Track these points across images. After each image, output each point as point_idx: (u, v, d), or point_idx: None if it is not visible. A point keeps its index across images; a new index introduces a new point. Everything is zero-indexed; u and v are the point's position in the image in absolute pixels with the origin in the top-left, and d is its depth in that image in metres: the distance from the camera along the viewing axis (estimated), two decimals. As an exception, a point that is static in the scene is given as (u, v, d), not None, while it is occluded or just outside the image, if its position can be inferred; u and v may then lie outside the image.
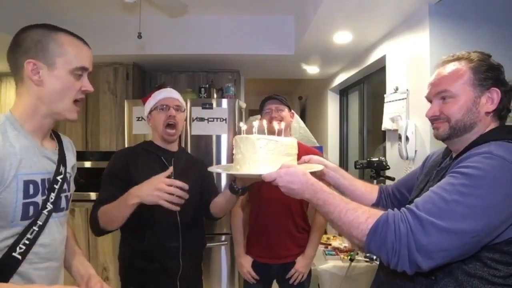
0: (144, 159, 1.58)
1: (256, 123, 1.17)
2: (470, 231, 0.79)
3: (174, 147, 1.69)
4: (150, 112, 1.66)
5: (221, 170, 1.23)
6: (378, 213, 0.87)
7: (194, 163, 1.72)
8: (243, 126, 1.21)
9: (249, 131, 1.14)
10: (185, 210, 1.56)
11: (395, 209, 0.88)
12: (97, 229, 1.44)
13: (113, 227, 1.41)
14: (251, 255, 1.93)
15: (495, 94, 0.95)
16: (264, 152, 1.03)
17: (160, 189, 1.23)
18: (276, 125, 1.17)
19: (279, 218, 1.87)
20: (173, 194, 1.24)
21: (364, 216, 0.87)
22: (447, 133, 0.99)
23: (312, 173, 1.01)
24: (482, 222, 0.80)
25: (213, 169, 1.24)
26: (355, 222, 0.87)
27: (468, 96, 0.96)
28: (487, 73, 0.95)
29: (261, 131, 1.11)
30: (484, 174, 0.81)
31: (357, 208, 0.90)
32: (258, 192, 1.88)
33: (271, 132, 1.12)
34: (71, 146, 1.19)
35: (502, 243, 0.84)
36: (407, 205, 0.88)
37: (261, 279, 1.91)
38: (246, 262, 1.91)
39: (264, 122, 1.15)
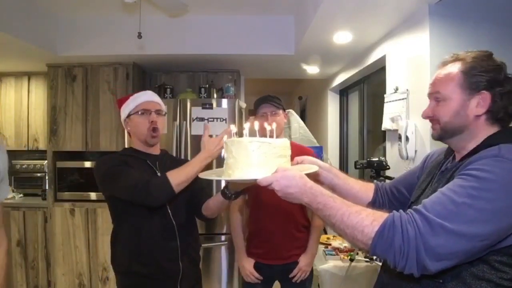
0: (133, 164, 1.53)
1: (247, 125, 1.12)
2: (480, 234, 0.79)
3: (156, 151, 1.65)
4: (128, 116, 1.60)
5: (215, 177, 1.15)
6: (383, 215, 0.86)
7: (178, 164, 1.66)
8: (233, 129, 1.18)
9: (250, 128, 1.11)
10: (178, 212, 1.56)
11: (400, 210, 0.87)
12: (169, 189, 1.39)
13: (182, 187, 1.42)
14: (252, 257, 1.92)
15: (484, 98, 0.94)
16: (257, 155, 0.98)
17: (219, 144, 1.42)
18: (267, 126, 1.11)
19: (280, 220, 1.87)
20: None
21: (368, 219, 0.85)
22: (438, 134, 1.02)
23: (307, 175, 0.98)
24: (491, 226, 0.79)
25: (205, 175, 1.16)
26: (359, 225, 0.85)
27: (457, 99, 0.96)
28: (479, 76, 0.94)
29: (252, 133, 1.08)
30: (495, 177, 0.81)
31: (361, 211, 0.88)
32: (257, 195, 1.88)
33: (263, 134, 1.08)
34: None
35: (510, 246, 0.84)
36: (414, 207, 0.86)
37: (262, 280, 1.92)
38: (248, 264, 1.91)
39: (256, 123, 1.10)
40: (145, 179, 1.42)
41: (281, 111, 1.93)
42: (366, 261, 2.35)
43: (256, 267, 1.91)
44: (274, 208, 1.85)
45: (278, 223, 1.87)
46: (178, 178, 1.40)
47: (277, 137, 1.77)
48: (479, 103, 0.94)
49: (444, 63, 1.02)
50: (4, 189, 1.35)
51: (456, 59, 1.00)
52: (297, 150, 1.81)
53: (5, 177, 1.33)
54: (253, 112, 2.01)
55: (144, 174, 1.47)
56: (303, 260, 1.90)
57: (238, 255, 1.97)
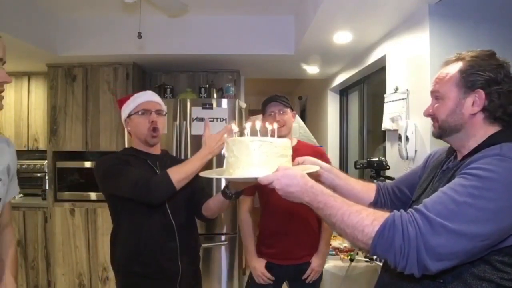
0: (133, 163, 1.54)
1: (248, 125, 1.12)
2: (481, 234, 0.78)
3: (157, 151, 1.66)
4: (129, 116, 1.60)
5: (215, 175, 1.15)
6: (383, 215, 0.85)
7: (179, 164, 1.68)
8: (235, 128, 1.18)
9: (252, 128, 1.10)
10: (178, 211, 1.56)
11: (401, 210, 0.86)
12: (170, 186, 1.39)
13: (183, 183, 1.42)
14: (264, 257, 1.91)
15: (479, 96, 0.93)
16: (258, 154, 0.98)
17: (220, 141, 1.44)
18: (268, 125, 1.11)
19: (291, 220, 1.86)
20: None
21: (369, 219, 0.84)
22: (437, 131, 1.04)
23: (308, 174, 0.98)
24: (492, 225, 0.79)
25: (206, 174, 1.16)
26: (360, 225, 0.84)
27: (453, 98, 0.97)
28: (476, 74, 0.94)
29: (253, 133, 1.08)
30: (496, 177, 0.80)
31: (361, 210, 0.87)
32: (268, 195, 1.87)
33: (265, 133, 1.08)
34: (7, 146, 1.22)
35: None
36: (415, 206, 0.86)
37: (273, 280, 1.90)
38: (259, 265, 1.89)
39: (257, 123, 1.09)
40: (146, 176, 1.42)
41: (289, 110, 1.93)
42: (366, 261, 2.35)
43: (267, 267, 1.89)
44: (286, 208, 1.83)
45: (289, 223, 1.86)
46: (178, 174, 1.40)
47: (285, 136, 1.77)
48: (475, 101, 0.94)
49: (447, 63, 1.03)
50: (13, 187, 1.30)
51: (458, 58, 1.00)
52: (308, 150, 1.82)
53: (14, 175, 1.29)
54: (260, 111, 1.99)
55: (144, 173, 1.48)
56: (315, 261, 1.89)
57: (249, 256, 1.94)
